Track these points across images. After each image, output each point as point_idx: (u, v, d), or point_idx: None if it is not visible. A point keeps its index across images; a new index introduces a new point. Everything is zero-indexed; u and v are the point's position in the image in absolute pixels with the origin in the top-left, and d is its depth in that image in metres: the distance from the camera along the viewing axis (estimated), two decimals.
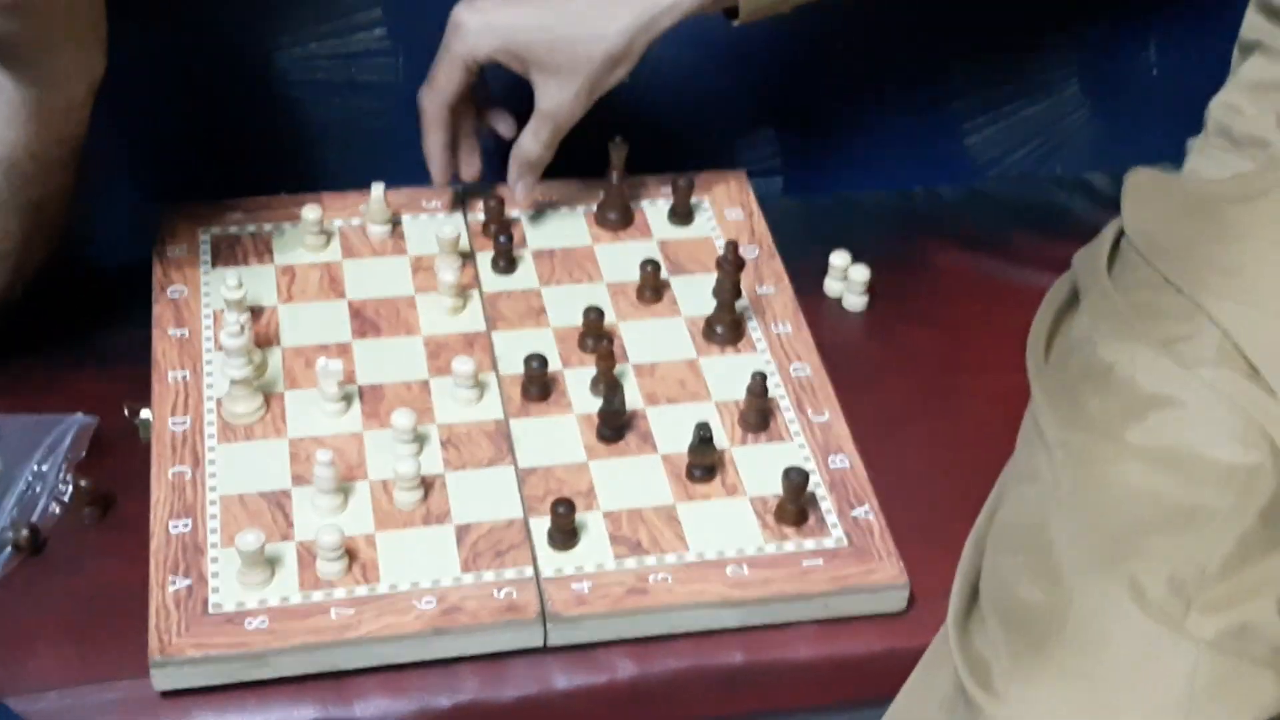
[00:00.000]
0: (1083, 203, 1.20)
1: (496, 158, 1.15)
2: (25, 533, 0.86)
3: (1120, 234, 0.98)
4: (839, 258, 1.07)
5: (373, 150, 1.14)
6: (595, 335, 0.97)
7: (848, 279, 1.07)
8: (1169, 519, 0.80)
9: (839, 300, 1.08)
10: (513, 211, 1.07)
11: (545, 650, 0.84)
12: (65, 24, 0.84)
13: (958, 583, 0.84)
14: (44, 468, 0.90)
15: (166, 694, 0.81)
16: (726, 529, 0.88)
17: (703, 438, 0.90)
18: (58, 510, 0.89)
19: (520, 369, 0.95)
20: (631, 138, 1.08)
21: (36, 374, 0.97)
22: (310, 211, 1.03)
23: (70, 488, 0.89)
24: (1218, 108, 1.02)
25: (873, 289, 1.07)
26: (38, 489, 0.89)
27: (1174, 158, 1.09)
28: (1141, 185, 0.99)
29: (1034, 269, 1.09)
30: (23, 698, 0.81)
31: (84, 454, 0.92)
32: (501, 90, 1.07)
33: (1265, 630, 0.76)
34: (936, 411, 1.00)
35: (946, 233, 1.15)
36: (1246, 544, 0.78)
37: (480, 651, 0.83)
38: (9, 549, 0.86)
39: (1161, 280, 0.92)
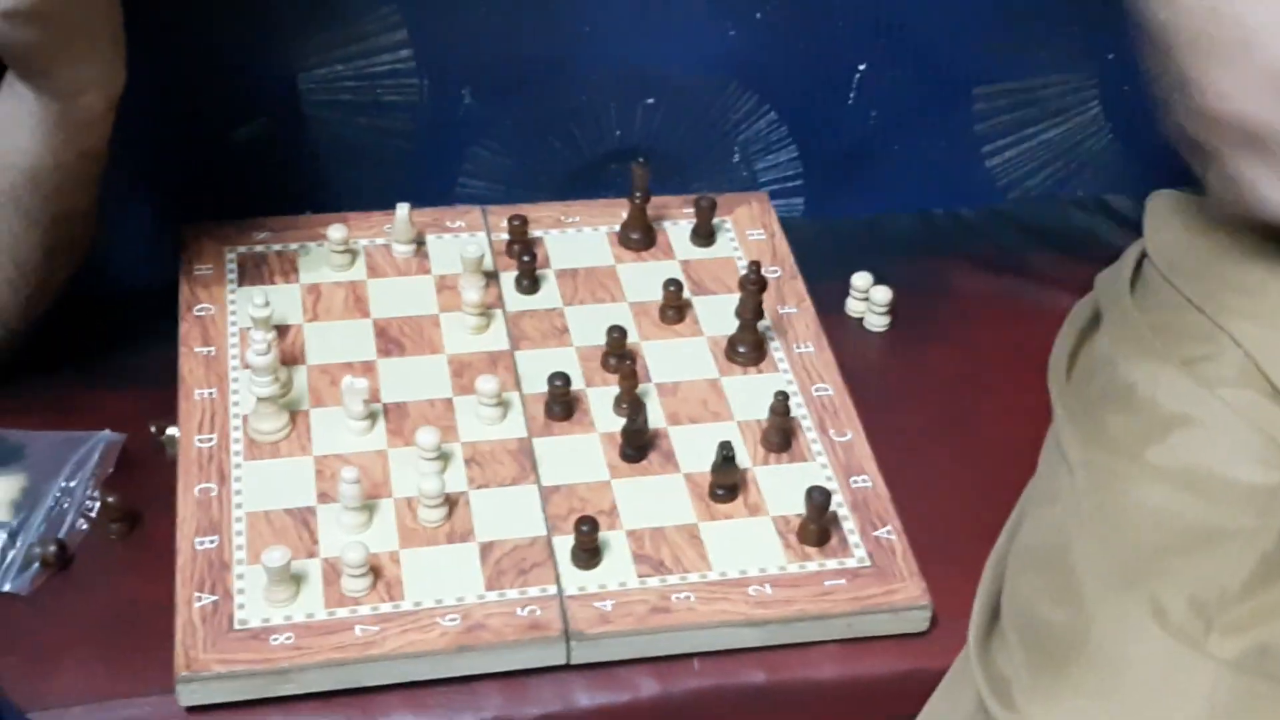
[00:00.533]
0: (1104, 224, 1.20)
1: (518, 174, 1.16)
2: (53, 548, 0.87)
3: (1142, 255, 0.99)
4: (861, 279, 1.07)
5: (398, 170, 1.14)
6: (618, 355, 0.98)
7: (869, 300, 1.07)
8: (1190, 539, 0.80)
9: (861, 321, 1.08)
10: (536, 231, 1.08)
11: (568, 668, 0.84)
12: (84, 34, 0.85)
13: (979, 602, 0.84)
14: (71, 484, 0.91)
15: (192, 709, 0.81)
16: (749, 548, 0.88)
17: (725, 457, 0.90)
18: (85, 526, 0.90)
19: (543, 388, 0.95)
20: (653, 159, 1.08)
21: (64, 392, 0.98)
22: (336, 231, 1.04)
23: (97, 504, 0.90)
24: None
25: (894, 310, 1.07)
26: (65, 505, 0.90)
27: (1194, 181, 1.09)
28: (1163, 207, 0.99)
29: (1055, 290, 1.10)
30: (49, 713, 0.81)
31: (111, 470, 0.92)
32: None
33: None
34: (958, 432, 1.00)
35: (968, 254, 1.16)
36: (1268, 565, 0.78)
37: (503, 669, 0.84)
38: (36, 564, 0.87)
39: (1183, 300, 0.92)
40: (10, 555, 0.87)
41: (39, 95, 0.86)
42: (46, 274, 0.94)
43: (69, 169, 0.90)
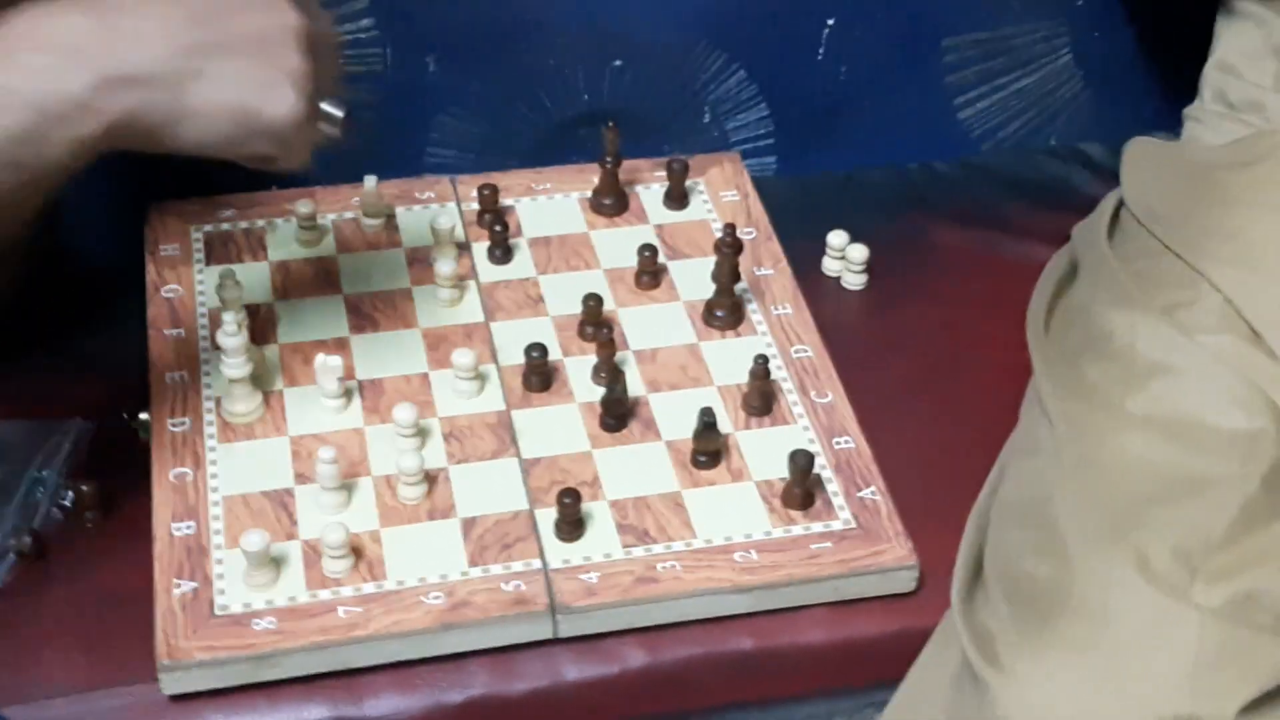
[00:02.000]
0: (1079, 173, 1.20)
1: (487, 142, 1.14)
2: (27, 539, 0.86)
3: (1120, 204, 0.98)
4: (837, 237, 1.07)
5: (363, 142, 1.12)
6: (595, 323, 0.97)
7: (846, 258, 1.06)
8: (1172, 489, 0.79)
9: (838, 279, 1.07)
10: (507, 200, 1.07)
11: (555, 642, 0.84)
12: None
13: (961, 558, 0.84)
14: (44, 473, 0.89)
15: (175, 698, 0.80)
16: (733, 514, 0.87)
17: (706, 423, 0.89)
18: (59, 516, 0.88)
19: (520, 359, 0.94)
20: (623, 122, 1.07)
21: (31, 380, 0.96)
22: (303, 206, 1.02)
23: (71, 493, 0.88)
24: (1212, 73, 1.01)
25: (871, 267, 1.06)
26: (38, 495, 0.89)
27: (1168, 126, 1.08)
28: (1141, 154, 0.98)
29: (1032, 242, 1.09)
30: (30, 705, 0.80)
31: (84, 458, 0.91)
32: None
33: (1271, 597, 0.76)
34: (939, 388, 1.00)
35: (943, 208, 1.15)
36: (1250, 511, 0.78)
37: (490, 645, 0.83)
38: (12, 556, 0.85)
39: (1161, 248, 0.91)
40: None
41: None
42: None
43: None
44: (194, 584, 0.82)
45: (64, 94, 0.69)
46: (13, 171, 0.70)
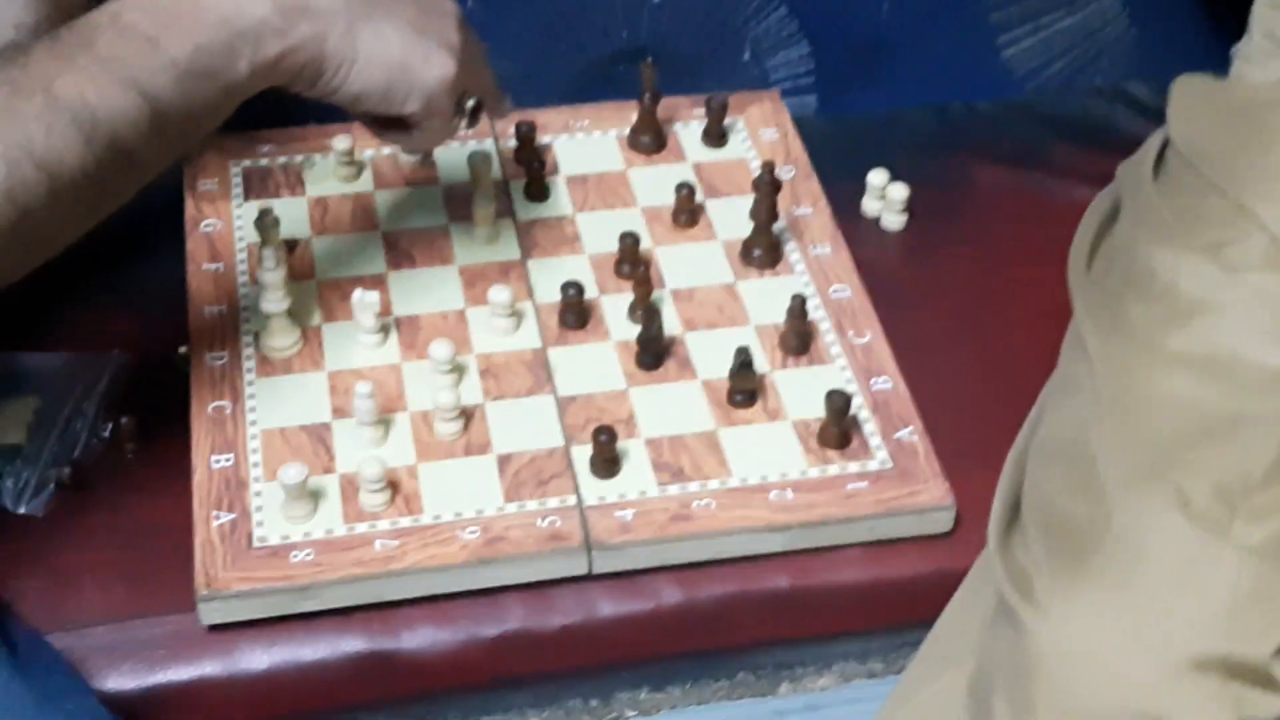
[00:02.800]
0: (1123, 113, 1.18)
1: (524, 79, 1.13)
2: (68, 470, 0.87)
3: (1165, 142, 0.97)
4: (877, 176, 1.06)
5: None
6: (632, 261, 0.96)
7: (886, 198, 1.05)
8: (1213, 427, 0.79)
9: (877, 220, 1.06)
10: (544, 138, 1.06)
11: (590, 578, 0.84)
12: None
13: (999, 497, 0.84)
14: (84, 405, 0.90)
15: (213, 627, 0.81)
16: (769, 454, 0.87)
17: (743, 362, 0.89)
18: (99, 447, 0.89)
19: (557, 297, 0.94)
20: (662, 59, 1.06)
21: (71, 313, 0.97)
22: (341, 142, 1.02)
23: (110, 425, 0.89)
24: (1262, 10, 0.99)
25: (911, 207, 1.05)
26: (78, 426, 0.89)
27: (1214, 65, 1.06)
28: (1188, 92, 0.97)
29: (1074, 182, 1.08)
30: (70, 633, 0.81)
31: (123, 391, 0.91)
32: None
33: None
34: (979, 330, 0.99)
35: (985, 148, 1.13)
36: None
37: (525, 580, 0.83)
38: (52, 486, 0.86)
39: (1207, 185, 0.90)
40: (25, 478, 0.86)
41: None
42: None
43: None
44: (232, 516, 0.83)
45: (250, 14, 0.77)
46: (206, 81, 0.76)
